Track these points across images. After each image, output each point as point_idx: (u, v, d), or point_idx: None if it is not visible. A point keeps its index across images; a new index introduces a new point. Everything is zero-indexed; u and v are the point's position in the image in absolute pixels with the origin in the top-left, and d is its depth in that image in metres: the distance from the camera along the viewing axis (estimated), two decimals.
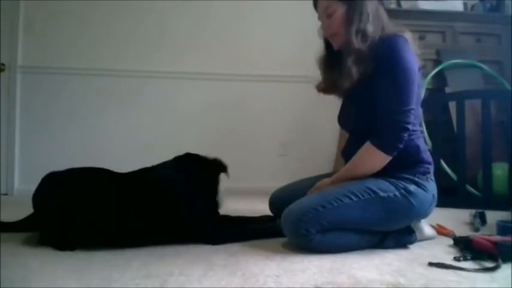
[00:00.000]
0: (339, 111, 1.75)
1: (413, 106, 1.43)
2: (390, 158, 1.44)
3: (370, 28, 1.48)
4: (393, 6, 3.09)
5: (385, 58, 1.44)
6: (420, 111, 1.56)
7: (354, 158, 1.51)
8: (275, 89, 3.38)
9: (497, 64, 3.10)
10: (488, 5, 3.30)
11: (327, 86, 1.67)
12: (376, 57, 1.45)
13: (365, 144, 1.46)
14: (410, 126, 1.42)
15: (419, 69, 1.49)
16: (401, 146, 1.43)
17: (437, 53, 3.05)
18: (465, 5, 3.31)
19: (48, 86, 3.19)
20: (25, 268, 1.22)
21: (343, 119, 1.70)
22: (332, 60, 1.62)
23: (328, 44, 1.64)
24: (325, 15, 1.56)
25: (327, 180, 1.60)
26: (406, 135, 1.42)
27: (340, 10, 1.52)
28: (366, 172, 1.49)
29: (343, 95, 1.67)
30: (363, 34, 1.47)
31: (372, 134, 1.45)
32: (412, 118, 1.43)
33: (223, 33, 3.40)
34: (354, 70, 1.46)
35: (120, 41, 3.28)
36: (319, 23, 1.62)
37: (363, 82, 1.48)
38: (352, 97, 1.59)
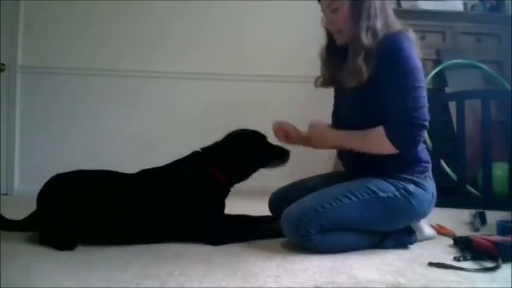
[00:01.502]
0: (334, 107, 1.74)
1: (425, 103, 1.39)
2: (395, 152, 1.39)
3: (378, 24, 1.43)
4: (393, 6, 3.08)
5: (390, 56, 1.40)
6: None
7: (362, 133, 1.46)
8: (275, 89, 3.38)
9: (497, 64, 3.10)
10: (488, 5, 3.30)
11: (328, 80, 1.64)
12: (379, 55, 1.41)
13: (379, 127, 1.40)
14: (427, 123, 1.38)
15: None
16: (414, 146, 1.39)
17: (437, 53, 3.05)
18: (465, 5, 3.31)
19: (48, 86, 3.20)
20: (25, 268, 1.22)
21: (340, 116, 1.67)
22: (335, 53, 1.58)
23: (330, 36, 1.59)
24: (328, 10, 1.50)
25: (325, 127, 1.59)
26: (422, 134, 1.37)
27: (345, 6, 1.46)
28: (364, 150, 1.46)
29: (346, 91, 1.60)
30: (372, 31, 1.42)
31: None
32: (427, 115, 1.38)
33: (223, 33, 3.40)
34: (364, 69, 1.41)
35: (120, 41, 3.28)
36: (321, 15, 1.55)
37: (367, 80, 1.44)
38: (355, 95, 1.52)
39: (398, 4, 3.17)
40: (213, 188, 1.64)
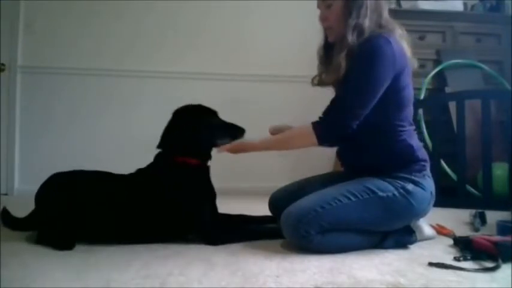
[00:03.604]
0: None
1: (363, 112, 1.43)
2: (315, 146, 1.50)
3: (366, 23, 1.45)
4: (393, 6, 3.09)
5: (358, 60, 1.43)
6: (411, 110, 1.55)
7: (289, 132, 1.60)
8: (275, 89, 3.38)
9: (497, 64, 3.10)
10: (488, 5, 3.30)
11: (320, 79, 1.65)
12: (355, 55, 1.44)
13: (306, 124, 1.50)
14: (349, 130, 1.44)
15: (402, 69, 1.45)
16: (333, 142, 1.54)
17: (437, 53, 3.05)
18: (465, 5, 3.31)
19: (48, 86, 3.19)
20: (25, 268, 1.22)
21: None
22: (328, 51, 1.60)
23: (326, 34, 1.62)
24: (323, 5, 1.54)
25: (251, 140, 1.63)
26: (340, 135, 1.47)
27: (338, 3, 1.49)
28: (293, 148, 1.63)
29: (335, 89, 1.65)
30: (359, 30, 1.45)
31: (362, 132, 1.45)
32: (354, 124, 1.44)
33: (223, 33, 3.40)
34: (343, 65, 1.45)
35: (120, 41, 3.28)
36: (318, 11, 1.58)
37: (343, 78, 1.47)
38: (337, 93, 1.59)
39: (399, 4, 3.17)
40: (190, 177, 1.61)
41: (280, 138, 1.60)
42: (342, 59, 1.45)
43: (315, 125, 1.48)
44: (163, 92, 3.32)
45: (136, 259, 1.33)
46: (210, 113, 1.71)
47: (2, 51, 3.07)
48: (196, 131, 1.62)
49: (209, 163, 1.70)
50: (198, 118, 1.66)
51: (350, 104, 1.44)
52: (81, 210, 1.50)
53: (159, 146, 1.68)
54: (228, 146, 1.61)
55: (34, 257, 1.33)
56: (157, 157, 1.68)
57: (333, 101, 1.58)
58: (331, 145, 1.63)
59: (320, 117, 1.52)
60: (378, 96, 1.43)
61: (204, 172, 1.68)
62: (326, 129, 1.48)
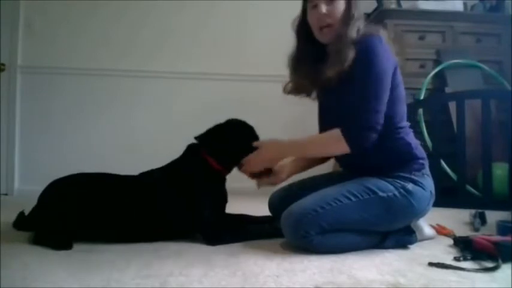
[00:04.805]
0: (318, 114, 1.72)
1: (383, 108, 1.43)
2: (348, 152, 1.43)
3: (361, 22, 1.51)
4: (393, 6, 3.09)
5: (364, 59, 1.43)
6: (405, 107, 1.56)
7: (317, 137, 1.54)
8: (275, 89, 3.36)
9: (497, 64, 3.10)
10: (488, 5, 3.30)
11: (301, 84, 1.64)
12: (355, 56, 1.44)
13: (334, 130, 1.45)
14: (379, 127, 1.42)
15: (396, 66, 1.49)
16: (366, 146, 1.42)
17: (437, 53, 3.05)
18: (465, 5, 3.31)
19: (48, 86, 3.20)
20: (25, 268, 1.22)
21: (324, 121, 1.67)
22: (309, 57, 1.60)
23: (305, 39, 1.65)
24: (324, 2, 1.53)
25: (275, 140, 1.59)
26: (374, 136, 1.41)
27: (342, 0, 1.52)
28: (321, 154, 1.59)
29: (319, 93, 1.66)
30: (357, 28, 1.49)
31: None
32: (382, 119, 1.42)
33: (224, 33, 3.41)
34: (350, 56, 1.43)
35: (121, 41, 3.28)
36: (294, 16, 1.60)
37: (340, 82, 1.47)
38: (332, 98, 1.57)
39: (398, 4, 3.16)
40: (209, 179, 1.64)
41: (309, 144, 1.55)
42: (351, 51, 1.43)
43: (344, 131, 1.43)
44: (163, 92, 3.33)
45: (136, 259, 1.33)
46: (256, 138, 1.71)
47: (2, 51, 3.08)
48: (238, 145, 1.65)
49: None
50: (246, 135, 1.69)
51: (370, 103, 1.42)
52: (82, 211, 1.50)
53: (196, 137, 1.70)
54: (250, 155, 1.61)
55: (34, 257, 1.33)
56: (188, 147, 1.72)
57: (339, 107, 1.56)
58: (361, 151, 1.46)
59: (346, 124, 1.44)
60: (388, 89, 1.44)
61: (220, 179, 1.70)
62: (358, 133, 1.42)
